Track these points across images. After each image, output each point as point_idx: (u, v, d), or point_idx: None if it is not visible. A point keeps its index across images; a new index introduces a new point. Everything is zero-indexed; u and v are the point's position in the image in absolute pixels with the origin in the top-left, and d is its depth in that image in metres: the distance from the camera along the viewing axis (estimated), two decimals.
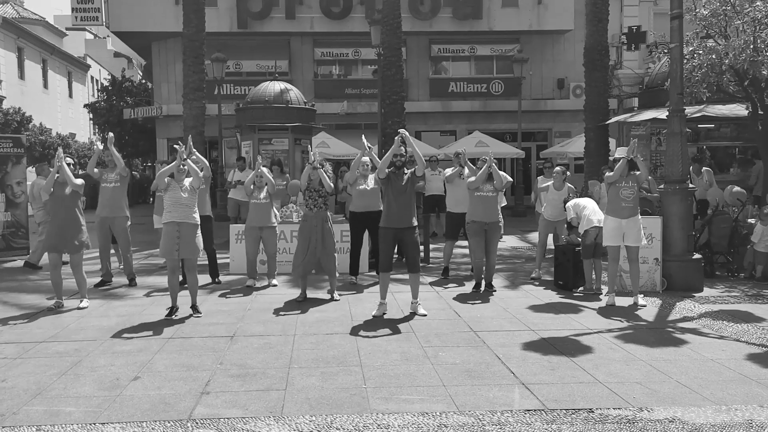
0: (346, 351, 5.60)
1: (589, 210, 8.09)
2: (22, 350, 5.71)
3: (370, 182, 8.55)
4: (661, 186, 8.77)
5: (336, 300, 7.67)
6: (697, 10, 10.78)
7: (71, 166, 7.46)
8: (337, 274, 8.03)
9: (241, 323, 6.62)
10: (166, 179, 6.93)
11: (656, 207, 8.84)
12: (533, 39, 23.72)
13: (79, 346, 5.82)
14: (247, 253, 8.70)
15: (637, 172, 7.57)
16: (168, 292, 7.13)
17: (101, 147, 8.45)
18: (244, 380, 4.86)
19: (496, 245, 8.27)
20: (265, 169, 8.64)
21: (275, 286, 8.66)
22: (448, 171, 9.31)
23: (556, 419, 4.13)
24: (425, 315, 6.88)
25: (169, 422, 4.10)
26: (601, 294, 7.98)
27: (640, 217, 7.58)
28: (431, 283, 8.77)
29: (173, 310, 6.90)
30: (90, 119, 36.72)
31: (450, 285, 8.67)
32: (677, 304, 7.49)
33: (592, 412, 4.24)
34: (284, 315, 6.99)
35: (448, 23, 22.72)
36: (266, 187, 8.57)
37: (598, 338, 6.02)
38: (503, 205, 8.42)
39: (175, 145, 7.32)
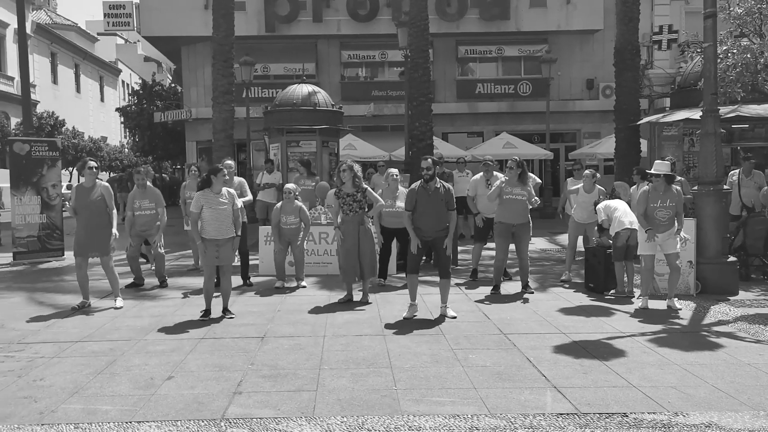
0: (375, 352, 5.61)
1: (620, 212, 7.98)
2: (58, 349, 5.83)
3: (399, 202, 8.61)
4: (695, 187, 8.63)
5: (366, 302, 7.68)
6: (731, 9, 10.60)
7: (94, 170, 7.60)
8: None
9: (271, 324, 6.67)
10: (200, 198, 6.88)
11: (689, 209, 8.68)
12: (561, 39, 23.51)
13: (113, 345, 5.93)
14: (275, 256, 8.77)
15: (677, 188, 7.40)
16: (200, 294, 7.23)
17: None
18: (275, 381, 4.90)
19: (526, 245, 8.22)
20: (298, 203, 8.71)
21: (304, 287, 8.71)
22: (477, 177, 9.36)
23: (590, 423, 4.09)
24: (455, 317, 6.86)
25: (203, 421, 4.15)
26: (633, 297, 7.87)
27: (676, 225, 7.43)
28: (459, 285, 8.74)
29: (207, 312, 6.97)
30: (121, 123, 37.42)
31: (479, 287, 8.63)
32: (712, 307, 7.36)
33: (627, 416, 4.19)
34: (313, 316, 7.03)
35: (475, 24, 22.64)
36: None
37: (631, 342, 5.94)
38: (536, 205, 8.33)
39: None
